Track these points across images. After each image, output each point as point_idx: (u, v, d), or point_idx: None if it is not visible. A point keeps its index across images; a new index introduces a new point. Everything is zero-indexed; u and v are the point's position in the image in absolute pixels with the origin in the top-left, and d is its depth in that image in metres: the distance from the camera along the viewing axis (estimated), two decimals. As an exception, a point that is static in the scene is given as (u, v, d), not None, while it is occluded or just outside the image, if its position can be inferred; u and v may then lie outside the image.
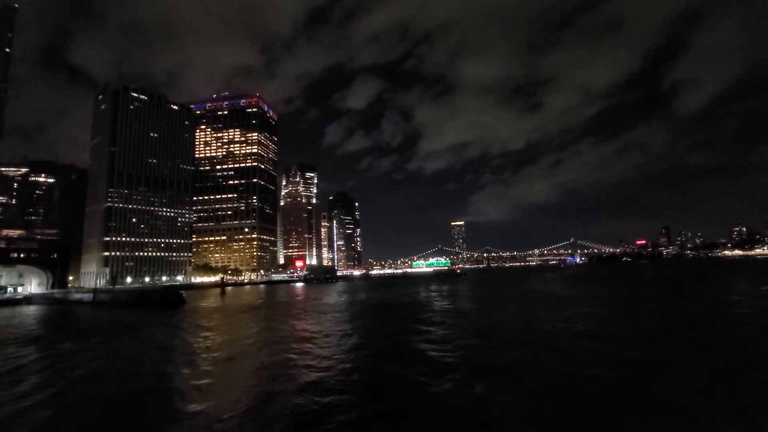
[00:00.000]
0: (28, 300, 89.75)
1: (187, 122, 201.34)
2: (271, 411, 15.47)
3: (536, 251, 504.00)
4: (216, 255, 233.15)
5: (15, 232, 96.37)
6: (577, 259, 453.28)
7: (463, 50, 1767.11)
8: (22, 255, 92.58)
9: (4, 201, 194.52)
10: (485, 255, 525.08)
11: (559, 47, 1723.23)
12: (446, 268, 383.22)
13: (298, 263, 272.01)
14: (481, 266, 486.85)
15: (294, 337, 33.25)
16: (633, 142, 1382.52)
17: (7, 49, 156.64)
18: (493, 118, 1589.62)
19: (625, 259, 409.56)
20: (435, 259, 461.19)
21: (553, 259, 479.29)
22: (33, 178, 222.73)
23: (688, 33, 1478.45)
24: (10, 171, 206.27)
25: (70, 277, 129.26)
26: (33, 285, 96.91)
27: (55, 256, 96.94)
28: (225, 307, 70.09)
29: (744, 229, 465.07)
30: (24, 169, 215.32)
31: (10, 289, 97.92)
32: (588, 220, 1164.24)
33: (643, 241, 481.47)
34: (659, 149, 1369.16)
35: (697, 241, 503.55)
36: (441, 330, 33.41)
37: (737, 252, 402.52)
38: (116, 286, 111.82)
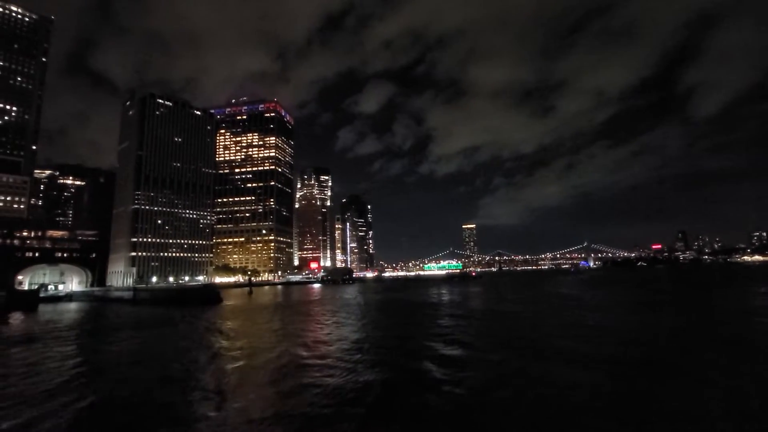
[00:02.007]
0: (69, 297, 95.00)
1: (209, 127, 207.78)
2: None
3: (548, 255, 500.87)
4: (234, 256, 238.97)
5: (58, 233, 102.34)
6: (591, 264, 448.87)
7: (474, 55, 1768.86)
8: (65, 255, 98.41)
9: (32, 203, 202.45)
10: (497, 258, 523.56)
11: (572, 51, 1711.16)
12: (458, 271, 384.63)
13: (313, 265, 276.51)
14: (492, 269, 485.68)
15: (334, 330, 36.52)
16: (648, 145, 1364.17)
17: (44, 59, 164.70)
18: (504, 121, 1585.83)
19: (640, 263, 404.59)
20: (447, 262, 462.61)
21: (565, 263, 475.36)
22: (61, 181, 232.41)
23: (703, 36, 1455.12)
24: (35, 173, 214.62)
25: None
26: (74, 283, 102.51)
27: (94, 255, 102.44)
28: (257, 305, 73.95)
29: (765, 233, 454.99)
30: (48, 172, 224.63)
31: (51, 286, 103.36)
32: (602, 223, 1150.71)
33: (659, 246, 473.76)
34: (675, 152, 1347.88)
35: (716, 246, 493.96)
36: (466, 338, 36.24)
37: (757, 257, 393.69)
38: (155, 285, 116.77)
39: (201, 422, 14.57)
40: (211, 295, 73.54)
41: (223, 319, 51.74)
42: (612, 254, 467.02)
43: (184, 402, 16.97)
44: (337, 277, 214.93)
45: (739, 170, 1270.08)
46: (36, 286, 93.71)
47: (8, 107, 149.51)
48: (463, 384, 18.32)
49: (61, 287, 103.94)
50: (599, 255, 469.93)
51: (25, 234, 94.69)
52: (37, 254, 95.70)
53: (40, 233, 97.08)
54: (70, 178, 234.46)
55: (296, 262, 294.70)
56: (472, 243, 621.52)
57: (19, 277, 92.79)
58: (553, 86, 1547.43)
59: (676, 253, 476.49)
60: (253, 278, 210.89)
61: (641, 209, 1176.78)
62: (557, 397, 16.30)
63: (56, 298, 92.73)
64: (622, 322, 37.44)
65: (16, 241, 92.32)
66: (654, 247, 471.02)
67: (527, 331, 33.73)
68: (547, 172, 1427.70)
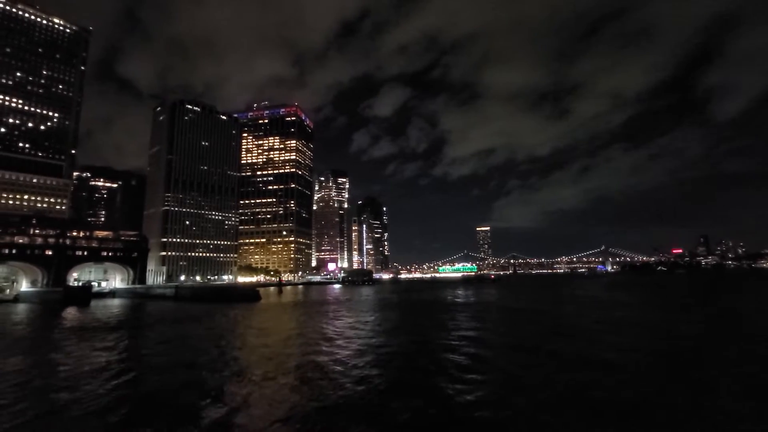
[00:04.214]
0: (113, 294, 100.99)
1: (234, 131, 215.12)
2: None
3: (564, 258, 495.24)
4: (256, 256, 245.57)
5: (103, 233, 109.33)
6: (608, 268, 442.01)
7: (489, 59, 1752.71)
8: (109, 254, 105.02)
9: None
10: (511, 261, 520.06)
11: (588, 54, 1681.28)
12: (474, 273, 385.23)
13: (331, 265, 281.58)
14: (507, 272, 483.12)
15: (367, 323, 40.05)
16: (667, 148, 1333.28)
17: (82, 67, 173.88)
18: (519, 124, 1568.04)
19: (660, 268, 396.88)
20: (461, 264, 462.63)
21: (581, 267, 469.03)
22: (93, 183, 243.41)
23: (723, 38, 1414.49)
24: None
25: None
26: (117, 280, 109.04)
27: (136, 254, 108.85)
28: (291, 303, 77.98)
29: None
30: (75, 174, 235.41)
31: (94, 283, 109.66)
32: (620, 227, 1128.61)
33: (680, 250, 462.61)
34: (695, 155, 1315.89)
35: (739, 251, 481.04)
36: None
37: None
38: (195, 284, 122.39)
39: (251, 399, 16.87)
40: (251, 292, 78.38)
41: (271, 314, 55.86)
42: (630, 258, 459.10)
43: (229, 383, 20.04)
44: (356, 278, 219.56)
45: (762, 173, 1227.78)
46: (81, 283, 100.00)
47: (51, 114, 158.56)
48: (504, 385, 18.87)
49: (104, 284, 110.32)
50: (617, 259, 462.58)
51: (74, 234, 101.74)
52: (85, 253, 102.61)
53: (88, 233, 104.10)
54: (101, 180, 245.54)
55: (314, 263, 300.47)
56: (486, 246, 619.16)
57: (75, 275, 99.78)
58: (569, 89, 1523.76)
59: (698, 258, 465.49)
60: (277, 278, 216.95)
61: (660, 213, 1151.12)
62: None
63: (101, 295, 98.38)
64: (644, 320, 39.94)
65: (68, 241, 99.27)
66: (674, 251, 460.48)
67: (552, 327, 36.60)
68: (563, 174, 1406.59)
